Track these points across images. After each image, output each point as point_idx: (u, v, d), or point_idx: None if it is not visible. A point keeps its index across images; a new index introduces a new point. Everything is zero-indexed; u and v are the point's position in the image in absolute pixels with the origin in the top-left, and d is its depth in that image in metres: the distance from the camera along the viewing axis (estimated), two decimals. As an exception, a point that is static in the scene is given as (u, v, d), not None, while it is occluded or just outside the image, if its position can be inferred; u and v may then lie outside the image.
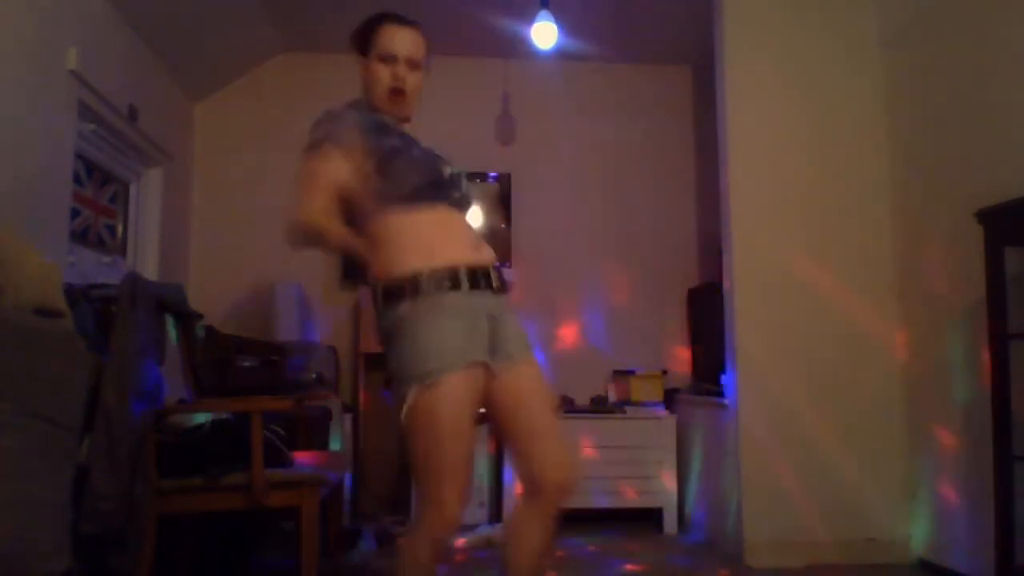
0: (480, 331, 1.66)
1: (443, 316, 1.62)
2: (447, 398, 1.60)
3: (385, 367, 1.73)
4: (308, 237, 1.77)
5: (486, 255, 1.75)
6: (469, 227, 1.79)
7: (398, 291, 1.64)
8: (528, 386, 1.74)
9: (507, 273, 4.17)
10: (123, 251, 3.77)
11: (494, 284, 1.71)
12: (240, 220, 4.38)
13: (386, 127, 1.80)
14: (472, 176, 4.36)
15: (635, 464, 3.86)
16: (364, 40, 1.86)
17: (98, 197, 3.53)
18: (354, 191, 1.72)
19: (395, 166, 1.71)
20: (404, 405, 1.62)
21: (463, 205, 1.81)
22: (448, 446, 1.62)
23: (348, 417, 3.94)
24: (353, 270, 4.22)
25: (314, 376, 3.79)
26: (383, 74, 1.82)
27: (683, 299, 4.45)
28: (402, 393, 1.63)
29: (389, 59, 1.83)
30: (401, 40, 1.84)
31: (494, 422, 1.80)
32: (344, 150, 1.71)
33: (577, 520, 3.86)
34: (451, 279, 1.64)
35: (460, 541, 3.51)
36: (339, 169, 1.71)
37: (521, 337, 1.76)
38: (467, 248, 1.71)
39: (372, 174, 1.70)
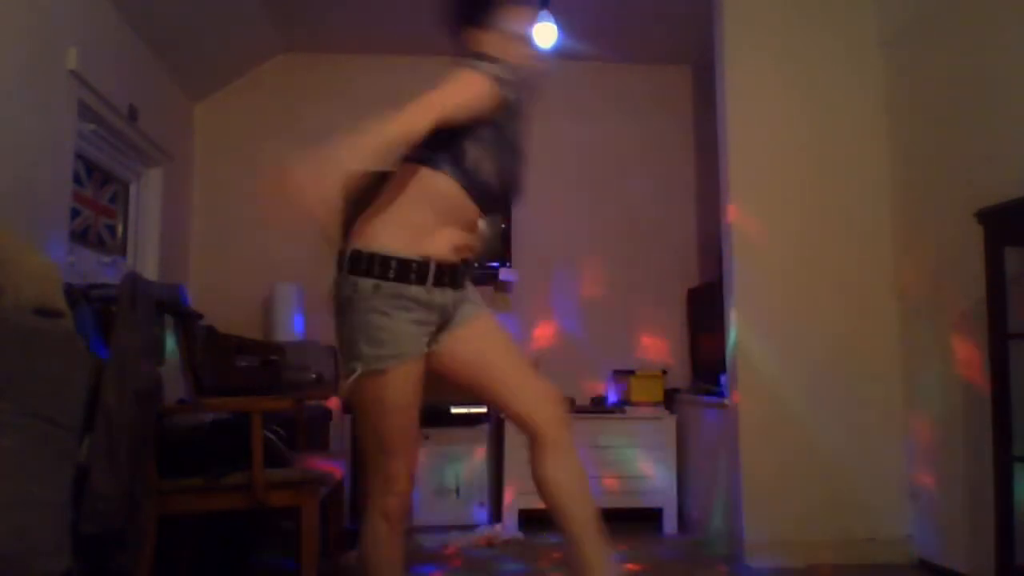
0: (430, 325, 1.70)
1: (401, 306, 1.64)
2: (394, 383, 1.66)
3: (336, 332, 1.75)
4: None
5: (462, 254, 1.76)
6: (475, 226, 1.81)
7: (367, 265, 1.65)
8: (485, 342, 1.78)
9: (507, 273, 4.24)
10: (123, 251, 3.77)
11: (457, 282, 1.74)
12: (240, 220, 4.37)
13: (518, 108, 1.80)
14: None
15: (635, 464, 3.87)
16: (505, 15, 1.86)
17: (98, 197, 3.53)
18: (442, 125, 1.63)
19: (501, 151, 1.74)
20: (349, 379, 1.67)
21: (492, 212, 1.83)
22: (394, 423, 1.70)
23: (348, 417, 3.94)
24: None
25: (314, 376, 3.79)
26: (529, 56, 1.85)
27: (683, 299, 4.45)
28: (349, 367, 1.67)
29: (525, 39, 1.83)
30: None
31: (470, 385, 1.82)
32: (494, 91, 1.68)
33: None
34: (418, 273, 1.65)
35: (460, 541, 3.52)
36: (478, 100, 1.67)
37: (472, 303, 1.79)
38: (451, 246, 1.72)
39: (476, 130, 1.68)
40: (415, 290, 1.65)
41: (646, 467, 3.88)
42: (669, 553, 3.47)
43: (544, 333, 4.44)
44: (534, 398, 1.75)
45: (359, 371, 1.64)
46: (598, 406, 4.12)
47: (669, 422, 3.94)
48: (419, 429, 1.79)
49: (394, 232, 1.68)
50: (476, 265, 1.81)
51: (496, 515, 3.91)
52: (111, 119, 3.31)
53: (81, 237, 3.34)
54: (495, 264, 4.28)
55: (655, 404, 4.01)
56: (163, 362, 2.32)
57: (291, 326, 4.05)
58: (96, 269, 3.40)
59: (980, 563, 2.61)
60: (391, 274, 1.63)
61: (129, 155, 3.69)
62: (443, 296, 1.70)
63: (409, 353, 1.66)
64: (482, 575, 3.09)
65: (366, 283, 1.65)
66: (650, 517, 3.89)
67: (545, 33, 3.74)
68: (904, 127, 3.24)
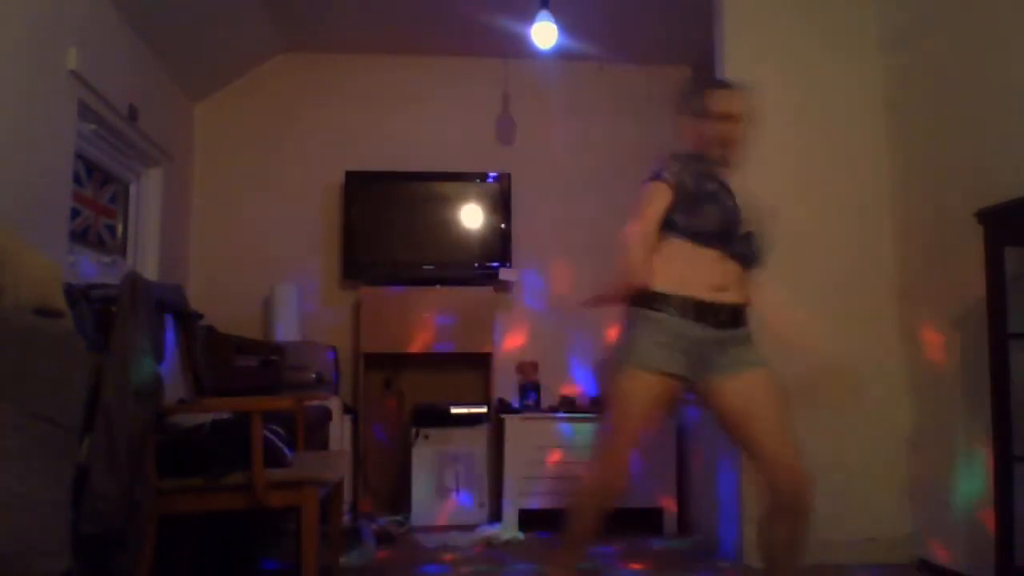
0: (682, 352, 2.03)
1: (658, 331, 2.03)
2: (635, 387, 2.04)
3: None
4: (626, 283, 2.09)
5: (726, 297, 2.06)
6: (733, 274, 2.08)
7: (642, 299, 2.06)
8: (751, 394, 2.07)
9: (506, 272, 4.24)
10: (123, 251, 3.77)
11: (720, 320, 2.05)
12: (240, 220, 4.38)
13: (708, 175, 2.12)
14: (472, 176, 4.37)
15: (635, 464, 3.85)
16: (697, 102, 2.20)
17: (98, 197, 3.53)
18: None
19: (704, 208, 2.06)
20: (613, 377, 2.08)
21: (746, 260, 2.11)
22: (627, 425, 2.08)
23: (348, 417, 3.95)
24: (353, 270, 4.23)
25: (314, 376, 3.79)
26: (718, 129, 2.14)
27: (683, 299, 4.44)
28: (614, 369, 2.09)
29: (725, 118, 2.14)
30: (736, 101, 2.16)
31: (727, 425, 2.13)
32: (669, 184, 2.09)
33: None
34: (679, 308, 2.03)
35: (460, 541, 3.51)
36: (664, 199, 2.09)
37: (748, 357, 2.09)
38: (711, 288, 2.05)
39: (678, 206, 2.07)
40: (673, 321, 2.06)
41: (646, 467, 3.88)
42: (669, 553, 3.47)
43: (544, 333, 4.44)
44: (781, 463, 2.02)
45: (618, 370, 2.09)
46: (598, 406, 4.12)
47: (669, 422, 3.94)
48: (641, 442, 2.17)
49: (668, 277, 2.09)
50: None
51: (496, 515, 3.91)
52: (111, 119, 3.31)
53: (81, 237, 3.34)
54: (495, 264, 4.28)
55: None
56: (163, 362, 2.32)
57: (291, 326, 4.05)
58: (96, 269, 3.40)
59: (980, 563, 2.61)
60: (657, 304, 2.08)
61: (129, 155, 3.69)
62: (703, 331, 2.05)
63: (651, 365, 2.04)
64: (482, 575, 3.09)
65: (639, 311, 2.11)
66: (650, 517, 3.89)
67: (545, 33, 3.74)
68: (904, 127, 3.24)
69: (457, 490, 3.93)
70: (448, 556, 3.33)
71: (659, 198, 2.10)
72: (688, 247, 2.08)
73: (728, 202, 2.10)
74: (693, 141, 2.20)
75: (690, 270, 2.06)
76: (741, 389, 2.06)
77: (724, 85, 2.27)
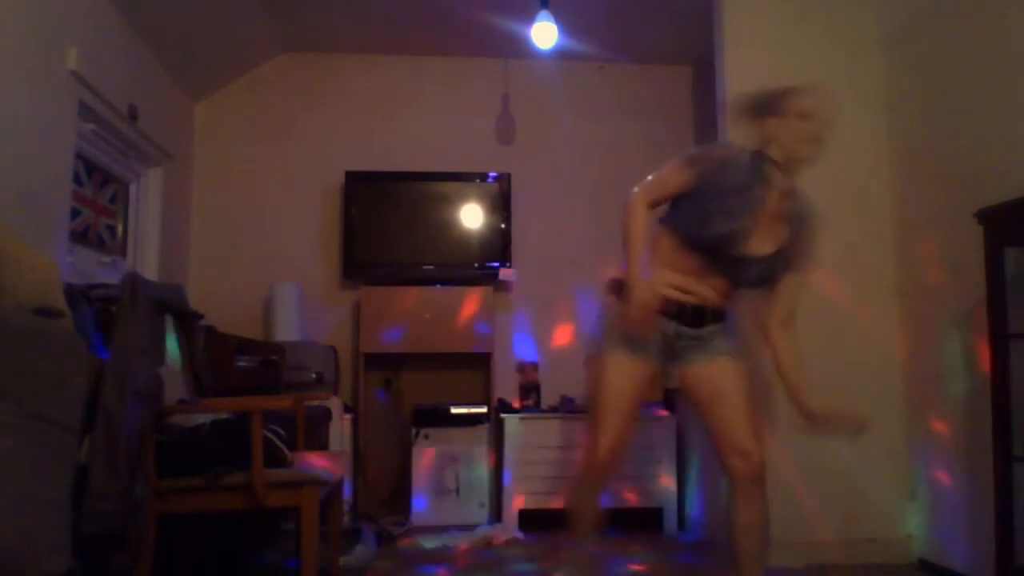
0: (656, 341, 2.11)
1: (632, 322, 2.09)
2: (610, 368, 2.15)
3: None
4: (623, 232, 2.11)
5: (699, 300, 2.10)
6: (707, 281, 2.09)
7: (619, 288, 2.13)
8: (719, 381, 2.12)
9: (506, 273, 4.24)
10: (123, 251, 3.77)
11: (693, 321, 2.11)
12: (240, 220, 4.38)
13: (744, 187, 2.05)
14: (472, 176, 4.37)
15: (635, 464, 3.86)
16: (777, 102, 2.14)
17: (98, 197, 3.53)
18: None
19: (712, 220, 2.03)
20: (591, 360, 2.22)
21: (733, 281, 2.12)
22: (604, 402, 2.17)
23: (348, 417, 3.95)
24: (353, 270, 4.23)
25: (314, 376, 3.80)
26: (799, 128, 2.07)
27: (683, 299, 4.44)
28: (592, 352, 2.22)
29: (806, 117, 2.07)
30: (816, 101, 2.11)
31: (695, 410, 2.24)
32: (695, 172, 2.07)
33: (577, 520, 3.86)
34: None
35: (463, 547, 3.51)
36: (679, 182, 2.09)
37: (721, 347, 2.14)
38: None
39: (691, 201, 2.08)
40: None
41: (646, 467, 3.88)
42: (669, 553, 3.47)
43: (544, 333, 4.44)
44: (737, 447, 2.08)
45: (595, 353, 2.24)
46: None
47: (669, 422, 3.94)
48: (629, 419, 2.22)
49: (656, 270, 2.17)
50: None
51: (496, 515, 3.91)
52: (111, 119, 3.31)
53: (81, 237, 3.34)
54: (495, 264, 4.28)
55: (655, 404, 4.01)
56: (163, 362, 2.32)
57: (291, 326, 4.05)
58: (96, 269, 3.40)
59: (980, 563, 2.61)
60: None
61: (129, 155, 3.69)
62: (677, 327, 2.12)
63: (622, 349, 2.16)
64: (482, 575, 3.09)
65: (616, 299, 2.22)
66: (650, 517, 3.89)
67: (545, 33, 3.74)
68: (904, 127, 3.24)
69: (457, 490, 3.93)
70: (448, 556, 3.33)
71: (675, 178, 2.10)
72: (677, 248, 2.11)
73: (737, 220, 2.03)
74: (765, 143, 2.11)
75: (665, 266, 2.11)
76: (710, 375, 2.12)
77: (801, 88, 2.19)
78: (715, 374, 2.12)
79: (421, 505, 3.90)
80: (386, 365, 4.28)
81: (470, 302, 4.10)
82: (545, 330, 4.44)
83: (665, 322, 2.10)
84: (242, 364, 3.18)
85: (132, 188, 3.86)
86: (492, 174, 4.37)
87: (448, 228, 4.31)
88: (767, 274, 2.11)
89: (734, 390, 2.11)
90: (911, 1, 3.22)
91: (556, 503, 3.81)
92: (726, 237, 2.03)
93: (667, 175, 2.11)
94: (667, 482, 3.89)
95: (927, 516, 3.04)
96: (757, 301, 2.20)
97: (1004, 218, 2.35)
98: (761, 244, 2.07)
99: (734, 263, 2.07)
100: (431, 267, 4.24)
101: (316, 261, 4.41)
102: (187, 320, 2.57)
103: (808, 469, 3.14)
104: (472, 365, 4.29)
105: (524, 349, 4.40)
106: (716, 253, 2.06)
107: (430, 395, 4.21)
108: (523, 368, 4.28)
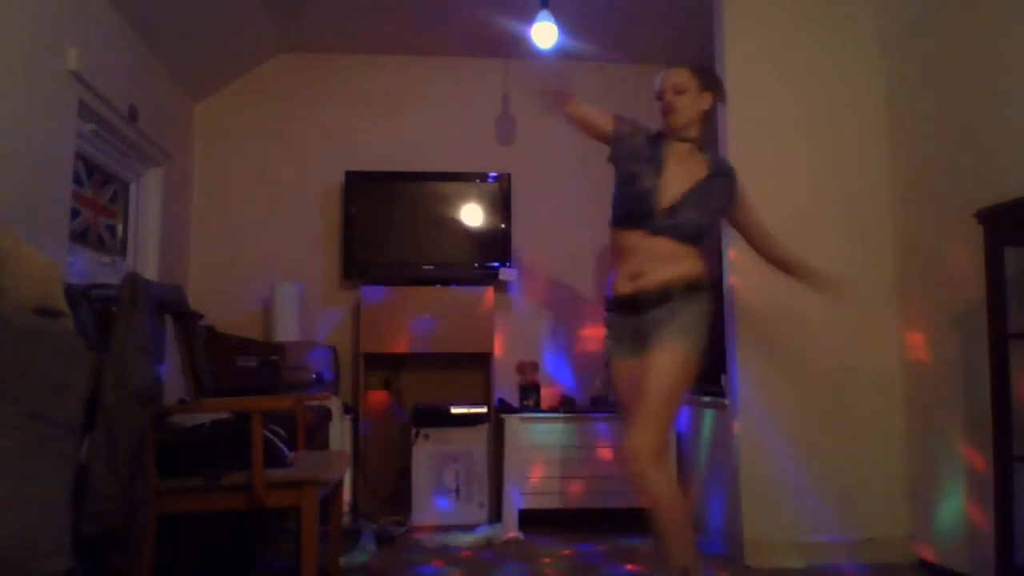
0: (627, 340, 2.33)
1: (611, 327, 2.41)
2: (613, 372, 2.41)
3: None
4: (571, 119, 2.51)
5: (646, 283, 2.26)
6: (654, 253, 2.26)
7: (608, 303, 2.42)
8: (644, 370, 2.23)
9: (506, 273, 4.24)
10: (123, 251, 3.77)
11: (641, 308, 2.27)
12: (240, 220, 4.38)
13: (649, 156, 2.36)
14: (472, 176, 4.37)
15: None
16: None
17: (98, 197, 3.53)
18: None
19: (623, 191, 2.36)
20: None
21: (674, 233, 2.26)
22: (619, 405, 2.42)
23: (348, 417, 3.95)
24: (353, 270, 4.23)
25: (314, 376, 3.80)
26: (660, 105, 2.41)
27: (683, 299, 4.44)
28: (605, 357, 2.49)
29: (659, 97, 2.41)
30: (666, 78, 2.40)
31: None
32: (612, 123, 2.45)
33: (577, 520, 3.86)
34: (613, 306, 2.38)
35: (460, 541, 3.51)
36: (602, 122, 2.46)
37: (663, 335, 2.22)
38: (630, 278, 2.30)
39: (615, 183, 2.41)
40: (612, 317, 2.44)
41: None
42: (669, 553, 3.46)
43: (544, 332, 4.44)
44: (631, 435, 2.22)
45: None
46: (598, 405, 4.12)
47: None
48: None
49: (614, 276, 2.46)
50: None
51: (496, 515, 3.91)
52: (111, 119, 3.31)
53: (81, 237, 3.34)
54: (495, 264, 4.28)
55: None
56: (163, 362, 2.32)
57: (291, 326, 4.05)
58: (96, 269, 3.40)
59: (980, 563, 2.61)
60: (607, 306, 2.47)
61: (129, 155, 3.69)
62: (628, 320, 2.32)
63: (614, 356, 2.43)
64: (482, 575, 3.09)
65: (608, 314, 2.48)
66: (648, 516, 3.88)
67: (545, 33, 3.74)
68: (904, 127, 3.24)
69: (457, 490, 3.93)
70: (448, 556, 3.33)
71: (602, 115, 2.47)
72: (618, 236, 2.35)
73: (645, 183, 2.30)
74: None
75: (617, 264, 2.37)
76: (643, 364, 2.25)
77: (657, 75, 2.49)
78: (646, 363, 2.23)
79: (421, 505, 3.90)
80: (386, 365, 4.28)
81: (470, 302, 4.10)
82: (545, 330, 4.44)
83: (625, 320, 2.32)
84: (242, 364, 3.18)
85: (132, 188, 3.86)
86: (492, 174, 4.37)
87: (448, 228, 4.31)
88: (698, 220, 2.29)
89: (646, 379, 2.21)
90: (911, 1, 3.22)
91: (556, 503, 3.82)
92: (650, 190, 2.28)
93: (598, 111, 2.48)
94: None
95: (927, 516, 3.04)
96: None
97: (1004, 218, 2.35)
98: (678, 185, 2.30)
99: (666, 216, 2.26)
100: (431, 267, 4.24)
101: (316, 261, 4.41)
102: (187, 320, 2.56)
103: (808, 469, 3.14)
104: (472, 365, 4.29)
105: (524, 349, 4.40)
106: (646, 213, 2.27)
107: (430, 395, 4.21)
108: (523, 368, 4.28)
